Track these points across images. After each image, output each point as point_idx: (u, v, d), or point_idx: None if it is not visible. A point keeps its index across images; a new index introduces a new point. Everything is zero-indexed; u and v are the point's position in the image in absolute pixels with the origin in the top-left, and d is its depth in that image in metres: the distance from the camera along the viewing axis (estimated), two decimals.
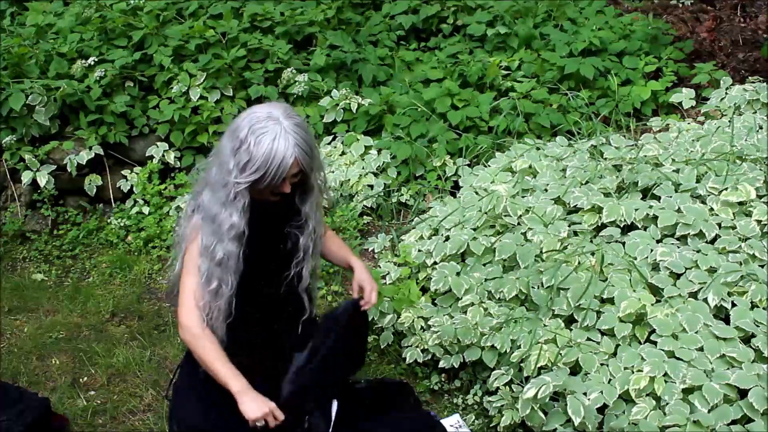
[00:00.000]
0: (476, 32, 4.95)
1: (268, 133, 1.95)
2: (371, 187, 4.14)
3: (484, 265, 3.14)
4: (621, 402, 2.53)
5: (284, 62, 4.62)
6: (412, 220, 3.83)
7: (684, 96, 4.46)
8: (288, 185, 2.06)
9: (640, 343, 2.65)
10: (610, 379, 2.56)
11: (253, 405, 2.07)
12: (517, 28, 4.91)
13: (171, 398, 2.44)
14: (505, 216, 3.20)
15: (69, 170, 4.33)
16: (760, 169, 3.17)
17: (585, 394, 2.53)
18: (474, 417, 2.96)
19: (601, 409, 2.54)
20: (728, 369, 2.49)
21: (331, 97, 4.51)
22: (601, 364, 2.61)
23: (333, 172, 4.16)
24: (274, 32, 4.86)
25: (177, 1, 5.01)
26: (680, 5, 5.60)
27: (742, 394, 2.44)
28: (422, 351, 3.11)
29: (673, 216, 2.97)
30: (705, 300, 2.68)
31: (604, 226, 3.09)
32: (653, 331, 2.64)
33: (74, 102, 4.39)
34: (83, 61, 4.51)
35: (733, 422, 2.39)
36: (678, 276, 2.79)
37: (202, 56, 4.56)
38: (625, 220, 3.03)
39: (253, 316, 2.27)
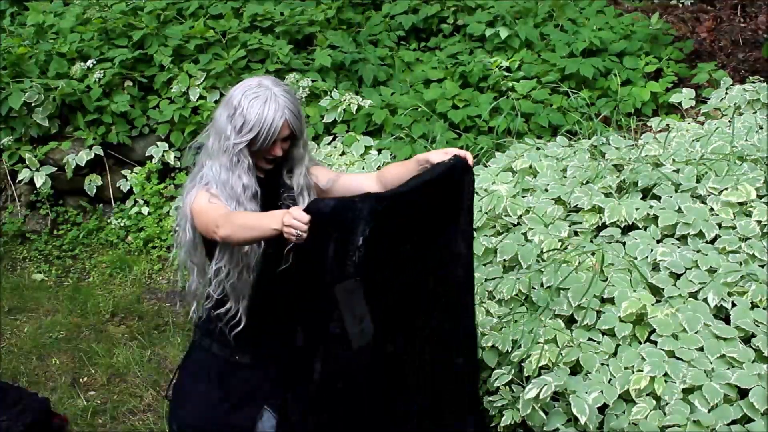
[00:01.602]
0: (476, 32, 4.95)
1: (260, 97, 2.07)
2: None
3: (485, 265, 3.13)
4: (621, 402, 2.53)
5: (284, 63, 4.62)
6: None
7: (684, 96, 4.46)
8: (279, 148, 2.14)
9: (640, 343, 2.65)
10: (610, 379, 2.56)
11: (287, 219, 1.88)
12: (517, 29, 4.91)
13: (171, 398, 2.44)
14: (505, 216, 3.20)
15: (66, 171, 4.33)
16: (760, 169, 3.17)
17: (585, 393, 2.53)
18: None
19: (602, 409, 2.54)
20: (728, 369, 2.49)
21: (331, 97, 4.50)
22: (602, 364, 2.60)
23: None
24: (275, 32, 4.86)
25: (177, 1, 5.01)
26: (680, 5, 5.60)
27: (743, 394, 2.44)
28: None
29: (673, 216, 2.97)
30: (705, 300, 2.68)
31: (604, 226, 3.09)
32: (653, 331, 2.64)
33: (74, 102, 4.39)
34: (83, 64, 4.51)
35: (734, 422, 2.38)
36: (678, 276, 2.78)
37: (203, 56, 4.56)
38: (625, 220, 3.03)
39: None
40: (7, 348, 3.49)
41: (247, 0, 5.04)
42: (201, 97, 4.46)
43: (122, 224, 4.34)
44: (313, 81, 4.57)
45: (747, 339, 2.58)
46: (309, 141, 2.36)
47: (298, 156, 2.23)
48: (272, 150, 2.13)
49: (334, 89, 4.57)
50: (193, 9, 4.97)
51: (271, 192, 2.26)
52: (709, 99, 4.42)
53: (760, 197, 3.01)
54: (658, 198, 3.11)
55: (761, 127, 3.67)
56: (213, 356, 2.30)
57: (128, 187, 4.46)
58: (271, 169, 2.22)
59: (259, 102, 2.06)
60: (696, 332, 2.58)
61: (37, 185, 4.32)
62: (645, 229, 3.02)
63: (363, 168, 4.17)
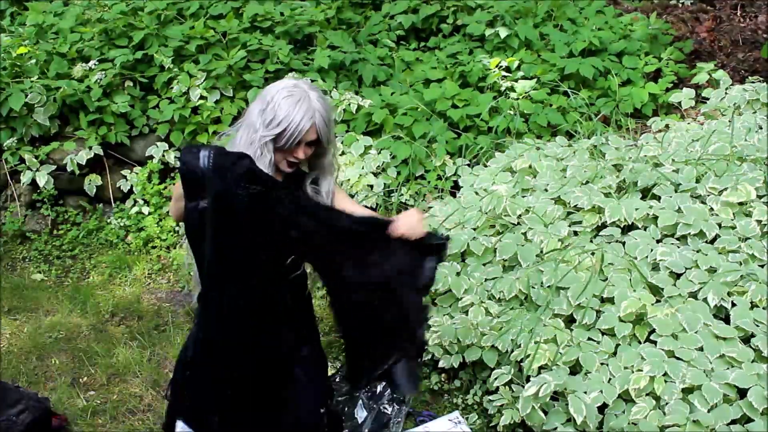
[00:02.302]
0: (476, 32, 4.95)
1: (293, 96, 2.10)
2: (371, 187, 4.14)
3: (484, 265, 3.14)
4: (621, 401, 2.53)
5: (284, 63, 4.63)
6: None
7: (684, 96, 4.46)
8: (302, 151, 2.15)
9: (640, 342, 2.65)
10: (610, 379, 2.56)
11: None
12: (517, 29, 4.91)
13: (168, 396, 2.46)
14: (505, 216, 3.20)
15: (70, 170, 4.34)
16: (760, 170, 3.17)
17: (585, 393, 2.53)
18: (474, 416, 2.95)
19: (601, 409, 2.54)
20: (728, 369, 2.49)
21: (331, 97, 4.51)
22: (601, 364, 2.61)
23: None
24: (274, 32, 4.86)
25: (177, 2, 5.01)
26: (680, 5, 5.60)
27: (742, 393, 2.44)
28: None
29: (673, 216, 2.97)
30: (705, 300, 2.68)
31: (604, 225, 3.09)
32: (653, 330, 2.64)
33: (74, 102, 4.39)
34: (84, 65, 4.51)
35: (733, 422, 2.39)
36: (678, 276, 2.79)
37: (203, 56, 4.56)
38: (625, 220, 3.03)
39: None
40: (7, 348, 3.49)
41: (247, 0, 5.04)
42: (201, 97, 4.46)
43: (122, 224, 4.34)
44: (312, 81, 4.57)
45: (747, 339, 2.58)
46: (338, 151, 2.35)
47: (327, 164, 2.26)
48: (295, 151, 2.14)
49: (334, 89, 4.57)
50: (194, 9, 4.97)
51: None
52: (708, 99, 4.42)
53: (759, 197, 3.01)
54: (658, 198, 3.12)
55: (761, 127, 3.67)
56: None
57: (128, 187, 4.46)
58: (295, 177, 2.23)
59: (291, 100, 2.09)
60: (696, 332, 2.58)
61: (41, 185, 4.32)
62: (645, 229, 3.02)
63: (362, 168, 4.18)
